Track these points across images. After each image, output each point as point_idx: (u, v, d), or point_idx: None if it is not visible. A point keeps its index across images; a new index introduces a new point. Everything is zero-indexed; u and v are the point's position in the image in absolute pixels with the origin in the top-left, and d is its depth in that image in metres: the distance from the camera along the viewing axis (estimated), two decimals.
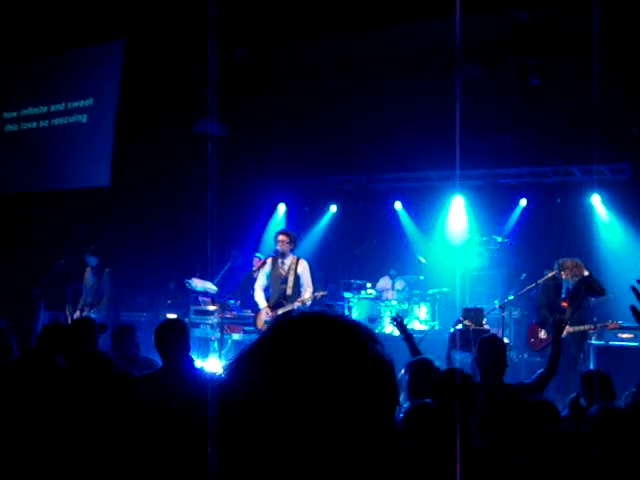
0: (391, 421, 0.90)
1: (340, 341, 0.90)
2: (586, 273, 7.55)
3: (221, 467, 0.87)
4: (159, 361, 4.96)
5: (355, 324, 0.95)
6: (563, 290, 7.59)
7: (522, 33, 8.24)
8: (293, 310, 6.88)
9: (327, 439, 0.85)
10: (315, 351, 0.88)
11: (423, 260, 10.35)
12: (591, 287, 7.50)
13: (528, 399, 4.04)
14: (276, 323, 0.96)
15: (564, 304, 7.46)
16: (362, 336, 0.93)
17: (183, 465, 2.24)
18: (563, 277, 7.49)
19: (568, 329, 7.15)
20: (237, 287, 9.50)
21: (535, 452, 2.63)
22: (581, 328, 7.26)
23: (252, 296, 7.92)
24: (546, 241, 10.53)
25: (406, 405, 3.85)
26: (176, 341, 4.06)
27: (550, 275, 7.49)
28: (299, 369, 0.86)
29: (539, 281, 7.59)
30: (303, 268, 7.37)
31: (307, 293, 7.23)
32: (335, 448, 0.85)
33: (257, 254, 10.16)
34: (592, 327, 7.40)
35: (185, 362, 4.07)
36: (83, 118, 10.34)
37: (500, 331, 8.07)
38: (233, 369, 0.92)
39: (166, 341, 4.06)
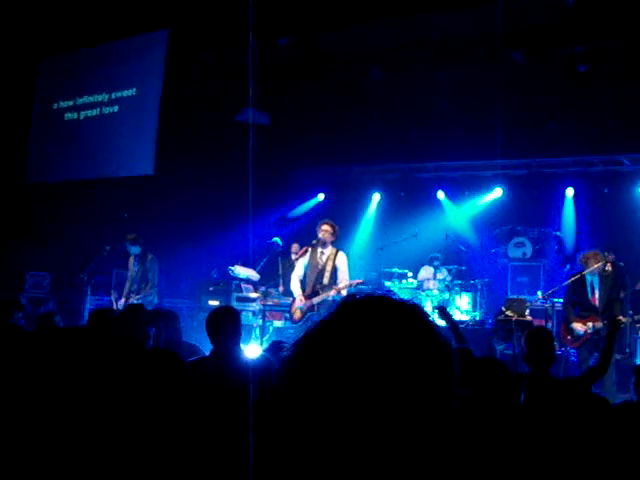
0: (452, 399, 0.91)
1: (406, 322, 0.92)
2: (609, 265, 7.34)
3: (282, 447, 0.88)
4: (201, 347, 5.04)
5: (418, 307, 0.97)
6: (588, 285, 7.32)
7: (569, 18, 8.05)
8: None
9: (393, 417, 0.86)
10: (382, 331, 0.89)
11: (465, 249, 10.27)
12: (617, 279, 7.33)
13: (578, 393, 3.96)
14: (341, 304, 0.97)
15: (593, 300, 7.26)
16: (426, 319, 0.95)
17: (228, 446, 2.28)
18: (587, 271, 7.24)
19: (597, 324, 7.01)
20: (276, 273, 9.59)
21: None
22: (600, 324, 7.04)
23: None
24: (593, 232, 10.32)
25: None
26: (230, 328, 4.05)
27: (595, 266, 7.29)
28: (367, 348, 0.88)
29: (584, 272, 7.43)
30: (342, 261, 7.38)
31: (343, 282, 7.24)
32: (400, 426, 0.86)
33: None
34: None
35: (235, 349, 4.07)
36: (127, 108, 10.49)
37: (543, 322, 7.96)
38: (299, 349, 0.93)
39: (219, 327, 4.04)
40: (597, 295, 7.25)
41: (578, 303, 7.29)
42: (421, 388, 0.87)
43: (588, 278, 7.28)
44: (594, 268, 7.16)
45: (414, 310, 0.94)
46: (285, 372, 0.91)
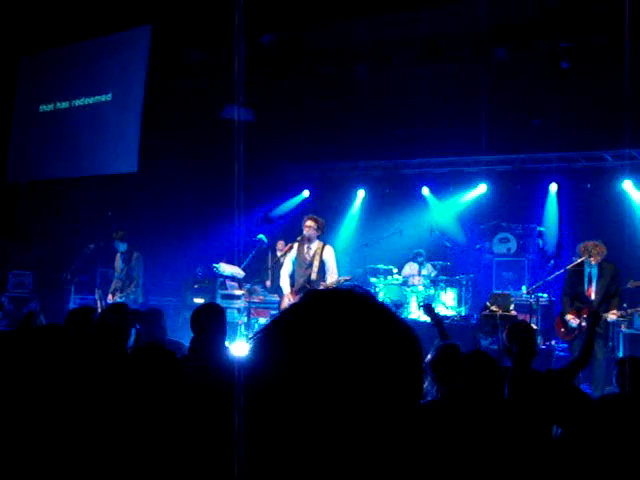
0: (418, 394, 0.91)
1: (370, 314, 0.92)
2: (592, 259, 7.30)
3: (250, 441, 0.88)
4: (186, 344, 5.02)
5: (382, 301, 0.99)
6: (585, 277, 7.28)
7: (552, 15, 8.09)
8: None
9: (356, 408, 0.86)
10: (345, 322, 0.90)
11: (449, 245, 10.31)
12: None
13: (558, 386, 3.98)
14: (306, 295, 0.98)
15: (589, 293, 7.25)
16: (391, 312, 0.95)
17: (214, 442, 2.27)
18: (591, 262, 7.21)
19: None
20: (262, 270, 9.58)
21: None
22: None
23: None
24: (576, 227, 10.40)
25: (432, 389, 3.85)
26: (214, 324, 4.04)
27: (578, 261, 7.33)
28: (329, 339, 0.88)
29: (568, 267, 7.47)
30: (328, 254, 7.37)
31: (331, 278, 7.24)
32: (362, 418, 0.86)
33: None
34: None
35: (221, 346, 4.06)
36: (110, 105, 10.41)
37: (528, 317, 8.01)
38: (262, 338, 0.93)
39: (204, 324, 4.02)
40: (593, 288, 7.18)
41: (573, 295, 7.27)
42: (381, 376, 0.87)
43: (586, 270, 7.22)
44: (582, 259, 7.13)
45: (378, 302, 0.96)
46: (252, 355, 0.92)
